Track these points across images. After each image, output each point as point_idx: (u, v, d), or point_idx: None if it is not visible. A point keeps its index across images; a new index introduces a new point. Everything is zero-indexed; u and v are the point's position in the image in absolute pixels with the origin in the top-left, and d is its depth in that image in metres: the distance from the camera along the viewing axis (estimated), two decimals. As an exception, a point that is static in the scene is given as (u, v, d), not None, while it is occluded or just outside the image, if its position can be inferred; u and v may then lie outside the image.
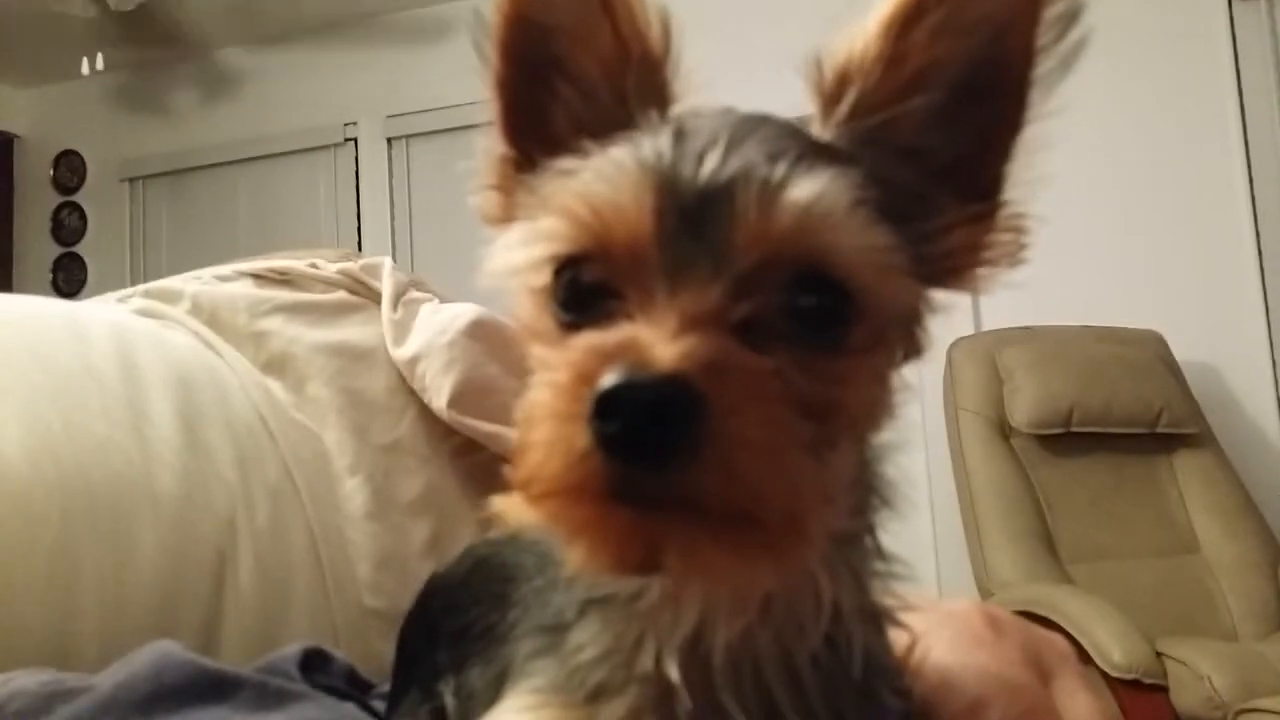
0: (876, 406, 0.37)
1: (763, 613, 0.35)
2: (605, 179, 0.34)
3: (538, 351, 0.36)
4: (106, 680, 0.49)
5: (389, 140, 3.74)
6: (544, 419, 0.31)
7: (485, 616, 0.46)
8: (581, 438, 0.30)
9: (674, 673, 0.35)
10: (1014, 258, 0.38)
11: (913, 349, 0.38)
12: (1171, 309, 2.71)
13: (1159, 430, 2.47)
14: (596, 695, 0.36)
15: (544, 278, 0.36)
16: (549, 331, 0.36)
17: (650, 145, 0.34)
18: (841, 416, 0.34)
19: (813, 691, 0.36)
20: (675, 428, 0.29)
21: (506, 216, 0.40)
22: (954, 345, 2.56)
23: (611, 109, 0.38)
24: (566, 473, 0.30)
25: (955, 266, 0.37)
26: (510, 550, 0.47)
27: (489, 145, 0.41)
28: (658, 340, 0.30)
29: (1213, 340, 2.74)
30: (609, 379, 0.29)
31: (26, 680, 0.50)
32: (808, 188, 0.33)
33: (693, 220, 0.33)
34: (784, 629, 0.36)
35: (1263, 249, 2.77)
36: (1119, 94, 2.58)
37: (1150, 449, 2.49)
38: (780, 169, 0.33)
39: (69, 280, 4.07)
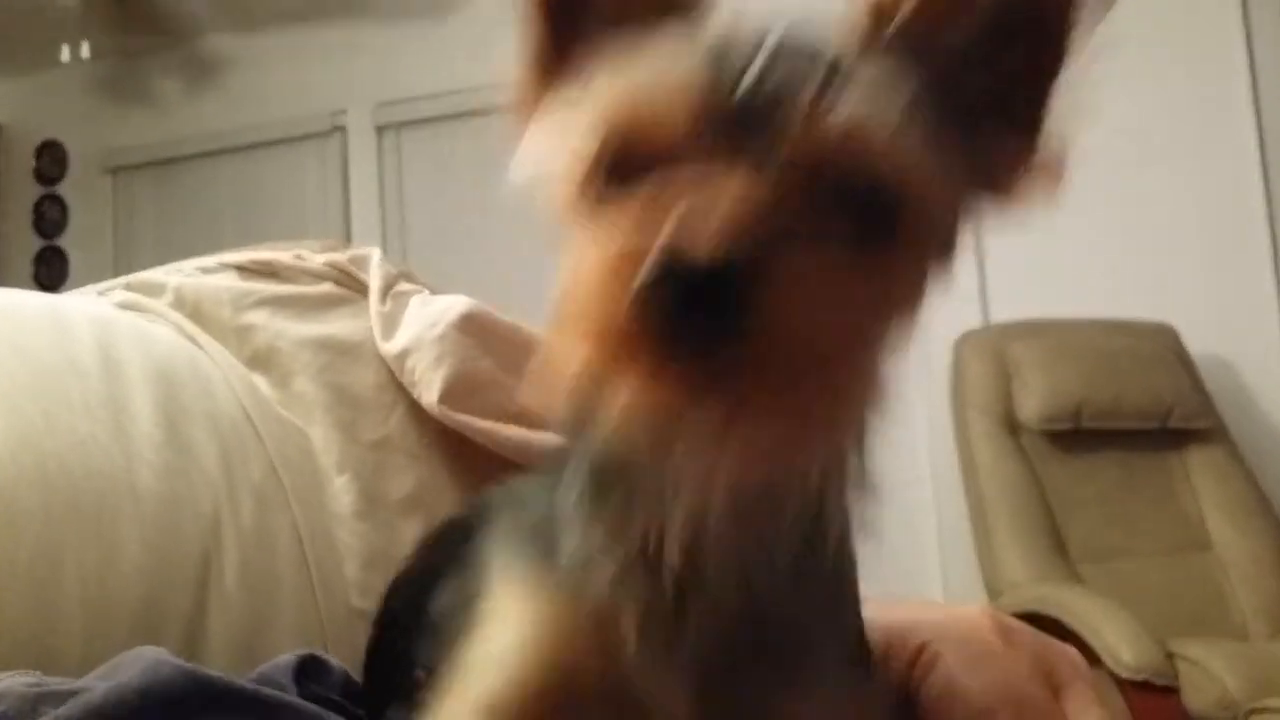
0: (914, 303, 0.37)
1: (756, 500, 0.35)
2: (654, 72, 0.34)
3: (576, 243, 0.35)
4: (96, 687, 0.48)
5: (379, 129, 3.62)
6: (599, 268, 0.31)
7: (454, 560, 0.47)
8: (641, 277, 0.30)
9: (671, 557, 0.35)
10: (1055, 185, 0.38)
11: (948, 251, 0.39)
12: (1183, 301, 2.67)
13: (1170, 426, 2.44)
14: (584, 584, 0.37)
15: (585, 167, 0.36)
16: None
17: (698, 43, 0.35)
18: (885, 311, 0.35)
19: (788, 589, 0.37)
20: (738, 284, 0.29)
21: (536, 109, 0.39)
22: (960, 341, 2.50)
23: (656, 9, 0.38)
24: (620, 312, 0.30)
25: (999, 180, 0.38)
26: (474, 522, 0.48)
27: (524, 35, 0.40)
28: (720, 204, 0.30)
29: (1226, 333, 2.70)
30: (673, 229, 0.29)
31: (12, 682, 0.48)
32: (857, 94, 0.33)
33: (740, 121, 0.33)
34: (772, 519, 0.36)
35: (1277, 239, 2.73)
36: (1128, 86, 2.54)
37: (1161, 445, 2.46)
38: (829, 74, 0.33)
39: (51, 274, 3.97)
